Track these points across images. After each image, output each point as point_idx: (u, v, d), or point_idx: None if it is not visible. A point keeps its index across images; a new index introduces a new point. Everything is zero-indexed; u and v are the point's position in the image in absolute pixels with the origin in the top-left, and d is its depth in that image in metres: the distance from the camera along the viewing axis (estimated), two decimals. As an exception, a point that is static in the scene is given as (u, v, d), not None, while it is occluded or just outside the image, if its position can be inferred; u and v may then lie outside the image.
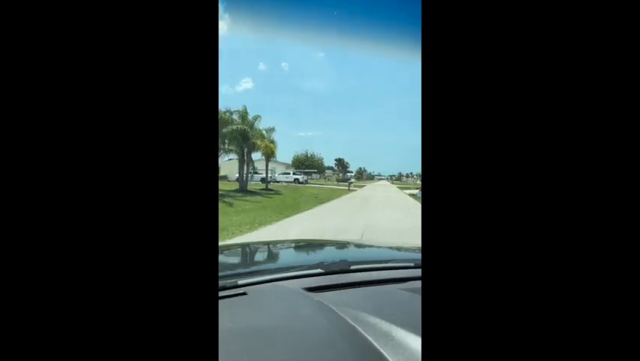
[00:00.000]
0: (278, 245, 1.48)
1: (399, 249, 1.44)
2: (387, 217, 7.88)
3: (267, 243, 1.69)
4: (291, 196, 12.60)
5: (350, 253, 1.34)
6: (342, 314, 0.56)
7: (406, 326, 0.50)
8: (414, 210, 10.20)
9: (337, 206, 10.22)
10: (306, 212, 8.14)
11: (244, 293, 0.67)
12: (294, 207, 8.77)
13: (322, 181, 34.04)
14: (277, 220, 6.38)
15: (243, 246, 1.59)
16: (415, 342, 0.46)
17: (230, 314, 0.55)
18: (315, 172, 37.42)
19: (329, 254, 1.31)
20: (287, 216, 6.97)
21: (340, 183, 30.54)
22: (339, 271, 0.86)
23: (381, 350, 0.46)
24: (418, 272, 0.85)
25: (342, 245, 1.48)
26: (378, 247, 1.59)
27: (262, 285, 0.75)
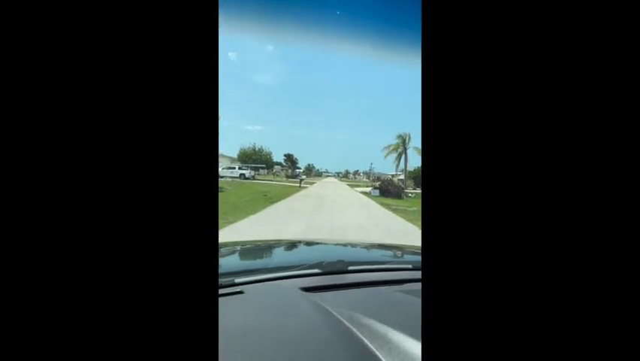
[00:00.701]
0: (276, 244, 1.40)
1: (397, 249, 1.44)
2: (351, 220, 6.88)
3: (265, 242, 1.49)
4: (236, 194, 10.91)
5: (348, 254, 1.31)
6: (338, 315, 0.56)
7: (403, 329, 0.50)
8: (374, 211, 9.46)
9: (292, 206, 8.93)
10: (256, 215, 6.70)
11: (241, 292, 0.67)
12: (240, 209, 7.23)
13: (270, 177, 32.47)
14: (219, 228, 4.86)
15: (241, 244, 1.36)
16: (411, 345, 0.46)
17: (226, 313, 0.53)
18: (263, 167, 35.56)
19: (327, 254, 1.17)
20: (231, 222, 5.48)
21: (290, 180, 29.38)
22: (337, 271, 0.84)
23: (377, 353, 0.46)
24: (415, 274, 0.86)
25: (340, 245, 1.47)
26: (377, 246, 1.55)
27: (259, 284, 0.73)
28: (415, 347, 0.45)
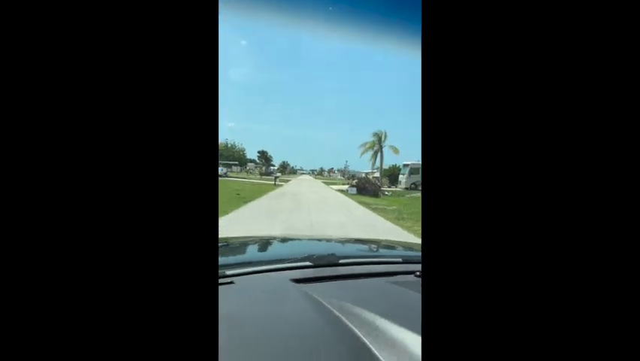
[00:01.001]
0: (266, 240, 1.38)
1: (387, 243, 1.49)
2: (332, 221, 6.45)
3: (255, 238, 1.43)
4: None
5: (339, 248, 1.29)
6: (327, 304, 0.56)
7: (391, 317, 0.51)
8: (354, 210, 9.12)
9: (267, 207, 8.35)
10: (228, 216, 6.08)
11: (231, 282, 0.66)
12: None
13: (244, 175, 31.46)
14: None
15: (232, 239, 1.32)
16: (398, 332, 0.47)
17: None
18: (236, 164, 34.35)
19: (318, 248, 1.21)
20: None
21: (264, 177, 28.62)
22: (328, 264, 0.84)
23: (364, 340, 0.47)
24: (406, 267, 0.86)
25: (331, 241, 1.45)
26: (367, 242, 1.49)
27: (250, 276, 0.73)
28: (402, 334, 0.46)
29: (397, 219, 7.43)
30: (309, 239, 1.48)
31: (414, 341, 0.45)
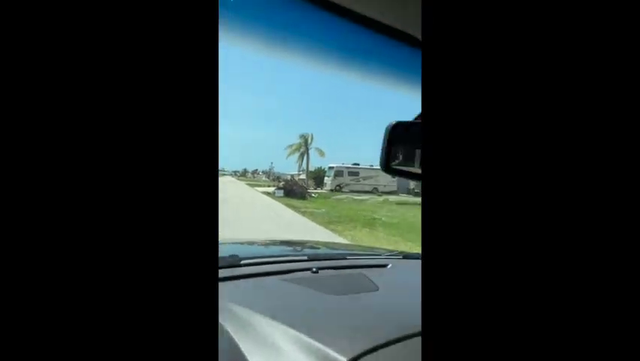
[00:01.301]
0: None
1: (303, 244, 1.48)
2: (259, 228, 5.91)
3: None
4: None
5: (249, 250, 1.27)
6: None
7: (268, 313, 0.53)
8: (281, 212, 8.73)
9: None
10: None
11: None
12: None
13: (155, 175, 27.91)
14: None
15: None
16: (269, 327, 0.49)
17: None
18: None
19: (228, 252, 1.12)
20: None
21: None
22: (228, 265, 0.84)
23: (232, 335, 0.50)
24: (307, 264, 0.87)
25: (255, 244, 1.45)
26: (293, 243, 1.50)
27: None
28: (273, 328, 0.49)
29: (328, 222, 7.29)
30: (233, 243, 1.41)
31: (283, 335, 0.48)
